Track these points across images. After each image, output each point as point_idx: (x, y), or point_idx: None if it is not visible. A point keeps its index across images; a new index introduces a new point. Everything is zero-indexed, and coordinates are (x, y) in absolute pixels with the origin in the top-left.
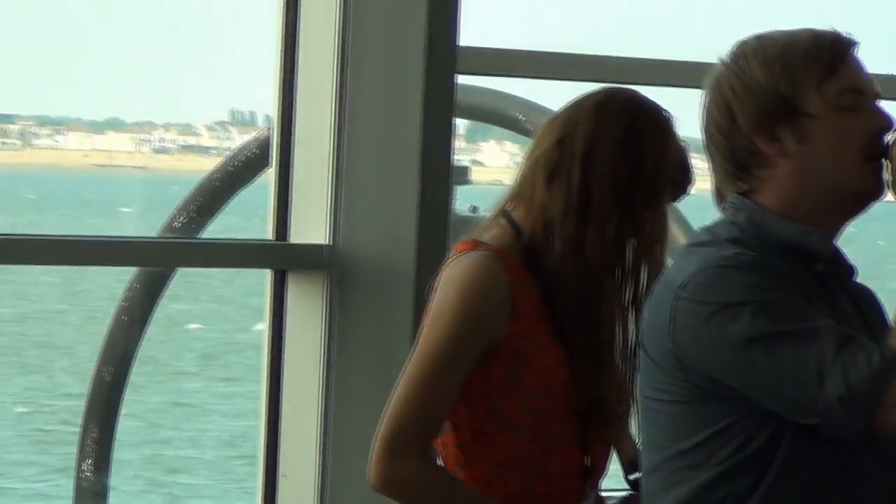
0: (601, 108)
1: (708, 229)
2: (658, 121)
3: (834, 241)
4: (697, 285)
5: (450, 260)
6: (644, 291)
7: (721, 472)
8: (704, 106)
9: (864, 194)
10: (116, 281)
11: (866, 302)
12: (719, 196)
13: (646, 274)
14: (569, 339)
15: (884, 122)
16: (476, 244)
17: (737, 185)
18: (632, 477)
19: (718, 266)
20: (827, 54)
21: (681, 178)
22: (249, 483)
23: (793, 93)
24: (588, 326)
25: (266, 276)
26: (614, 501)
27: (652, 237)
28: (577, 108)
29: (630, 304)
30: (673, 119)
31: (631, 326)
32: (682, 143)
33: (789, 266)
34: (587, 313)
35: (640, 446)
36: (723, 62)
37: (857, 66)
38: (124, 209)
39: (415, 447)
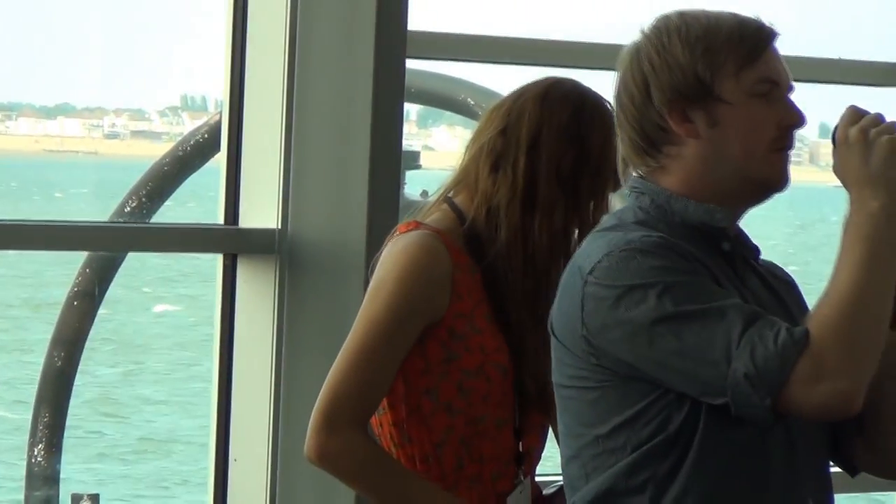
0: (545, 97)
1: (614, 214)
2: (601, 111)
3: (737, 223)
4: (604, 269)
5: (390, 239)
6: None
7: (641, 455)
8: (620, 76)
9: (769, 184)
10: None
11: (777, 280)
12: (624, 167)
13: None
14: (513, 326)
15: (795, 118)
16: (417, 225)
17: (644, 159)
18: None
19: (623, 249)
20: (749, 43)
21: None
22: (192, 465)
23: (710, 76)
24: (533, 314)
25: (217, 261)
26: (554, 489)
27: (595, 226)
28: (521, 96)
29: None
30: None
31: None
32: None
33: (696, 246)
34: (533, 301)
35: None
36: (644, 34)
37: (775, 58)
38: (57, 194)
39: (352, 421)
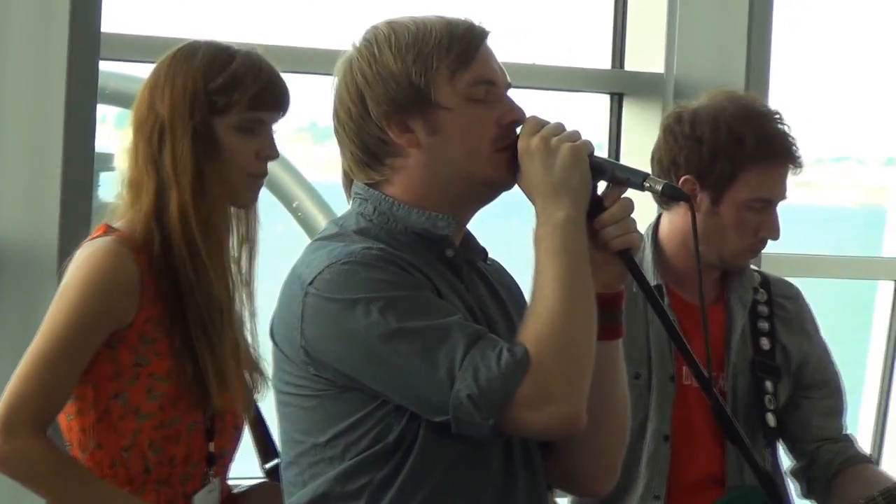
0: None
1: (335, 221)
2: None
3: (464, 227)
4: (325, 282)
5: (81, 245)
6: (252, 253)
7: (358, 462)
8: (335, 90)
9: (495, 184)
10: None
11: (501, 283)
12: (347, 180)
13: (247, 229)
14: (189, 323)
15: (515, 115)
16: (107, 229)
17: (367, 173)
18: (268, 465)
19: (345, 262)
20: (459, 45)
21: None
22: None
23: (425, 84)
24: (207, 307)
25: None
26: (244, 489)
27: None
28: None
29: (248, 276)
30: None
31: (249, 305)
32: None
33: (419, 255)
34: (207, 294)
35: (277, 439)
36: (354, 47)
37: (489, 58)
38: None
39: (30, 426)
